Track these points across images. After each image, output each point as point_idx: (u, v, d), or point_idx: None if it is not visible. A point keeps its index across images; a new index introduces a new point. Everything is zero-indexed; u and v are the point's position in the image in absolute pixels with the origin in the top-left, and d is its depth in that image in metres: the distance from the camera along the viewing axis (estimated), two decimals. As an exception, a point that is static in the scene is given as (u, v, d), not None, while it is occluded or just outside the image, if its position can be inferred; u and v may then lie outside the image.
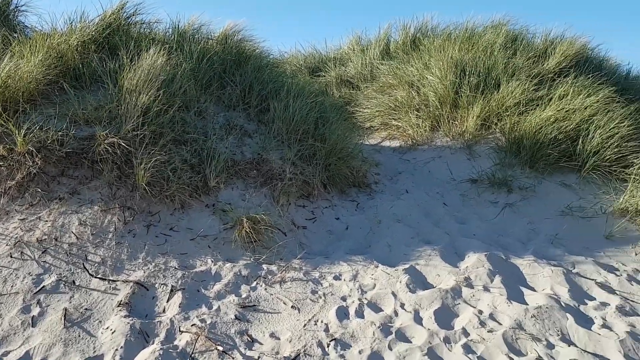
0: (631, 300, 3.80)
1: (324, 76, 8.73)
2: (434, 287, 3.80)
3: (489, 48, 7.02)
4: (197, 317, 3.28)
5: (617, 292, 3.90)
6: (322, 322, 3.34)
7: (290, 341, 3.10)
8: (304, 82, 6.82)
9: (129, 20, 5.62)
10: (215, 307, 3.40)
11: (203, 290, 3.59)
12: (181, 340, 3.06)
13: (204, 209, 4.41)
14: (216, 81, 5.51)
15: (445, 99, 6.58)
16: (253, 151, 5.07)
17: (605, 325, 3.40)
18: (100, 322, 3.19)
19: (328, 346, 3.08)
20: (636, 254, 4.54)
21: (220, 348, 3.00)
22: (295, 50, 9.78)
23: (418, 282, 3.87)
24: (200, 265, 3.87)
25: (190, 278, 3.67)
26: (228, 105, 5.47)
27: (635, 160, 5.38)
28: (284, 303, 3.52)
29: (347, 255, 4.27)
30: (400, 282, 3.80)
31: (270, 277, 3.81)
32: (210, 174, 4.46)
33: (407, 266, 4.04)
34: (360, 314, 3.45)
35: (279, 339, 3.14)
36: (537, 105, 6.02)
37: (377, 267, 4.04)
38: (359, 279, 3.90)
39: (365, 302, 3.58)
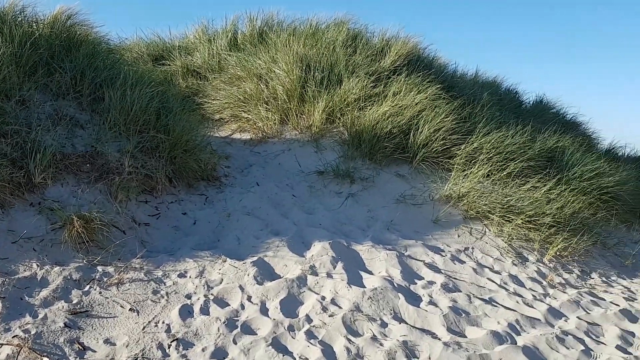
0: (454, 278, 4.24)
1: (169, 65, 8.37)
2: (281, 278, 3.86)
3: (332, 45, 7.31)
4: (19, 327, 2.94)
5: (443, 271, 4.32)
6: (163, 322, 3.20)
7: (127, 346, 2.92)
8: (144, 71, 6.45)
9: None
10: (41, 316, 3.07)
11: (27, 298, 3.22)
12: (1, 354, 2.72)
13: (28, 208, 3.96)
14: (42, 67, 4.97)
15: (293, 93, 6.70)
16: (86, 143, 4.67)
17: (431, 302, 3.75)
18: None
19: (169, 347, 2.97)
20: (459, 236, 5.08)
21: (47, 359, 2.73)
22: (137, 37, 9.19)
23: (266, 273, 3.90)
24: (24, 270, 3.46)
25: (11, 285, 3.27)
26: (57, 93, 4.97)
27: (458, 152, 6.00)
28: (122, 306, 3.31)
29: (193, 251, 4.15)
30: (248, 274, 3.80)
31: (105, 279, 3.55)
32: (35, 169, 4.01)
33: (255, 258, 4.05)
34: (205, 310, 3.37)
35: (114, 344, 2.94)
36: (375, 101, 6.41)
37: (225, 261, 3.98)
38: (206, 275, 3.82)
39: (212, 298, 3.52)
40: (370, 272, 4.14)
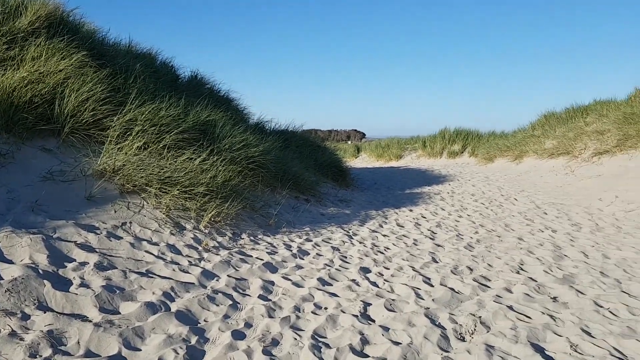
0: (109, 256, 4.07)
1: None
2: None
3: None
4: None
5: (97, 250, 4.10)
6: None
7: None
8: None
9: None
10: None
11: None
12: None
13: None
14: None
15: None
16: None
17: (83, 284, 3.51)
18: None
19: None
20: (115, 211, 4.89)
21: None
22: None
23: None
24: None
25: None
26: None
27: (111, 124, 5.72)
28: None
29: None
30: None
31: None
32: None
33: None
34: None
35: None
36: (10, 65, 5.52)
37: None
38: None
39: None
40: (10, 262, 3.60)
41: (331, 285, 4.33)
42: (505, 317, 3.62)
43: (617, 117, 13.71)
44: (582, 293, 4.16)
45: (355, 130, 67.88)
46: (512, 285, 4.39)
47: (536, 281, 4.51)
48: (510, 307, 3.81)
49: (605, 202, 9.14)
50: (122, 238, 4.41)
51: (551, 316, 3.63)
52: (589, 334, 3.31)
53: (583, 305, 3.86)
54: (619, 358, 2.95)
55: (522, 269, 4.92)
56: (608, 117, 14.57)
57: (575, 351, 3.06)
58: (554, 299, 4.05)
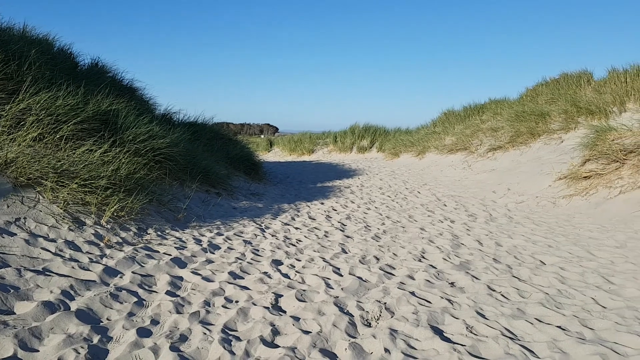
0: (2, 253, 3.81)
1: None
2: None
3: None
4: None
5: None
6: None
7: None
8: None
9: None
10: None
11: None
12: None
13: None
14: None
15: None
16: None
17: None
18: None
19: None
20: (8, 206, 4.54)
21: None
22: None
23: None
24: None
25: None
26: None
27: (3, 113, 5.29)
28: None
29: None
30: None
31: None
32: None
33: None
34: None
35: None
36: None
37: None
38: None
39: None
40: None
41: (242, 278, 4.32)
42: (408, 302, 3.82)
43: (509, 115, 14.81)
44: (477, 278, 4.48)
45: (269, 124, 67.64)
46: (414, 273, 4.63)
47: (436, 268, 4.79)
48: (413, 293, 4.03)
49: (498, 194, 9.86)
50: (16, 234, 4.11)
51: (449, 300, 3.88)
52: (483, 316, 3.58)
53: (478, 289, 4.16)
54: (509, 337, 3.21)
55: (423, 257, 5.21)
56: (502, 115, 15.69)
57: (471, 332, 3.30)
58: (452, 284, 4.33)
